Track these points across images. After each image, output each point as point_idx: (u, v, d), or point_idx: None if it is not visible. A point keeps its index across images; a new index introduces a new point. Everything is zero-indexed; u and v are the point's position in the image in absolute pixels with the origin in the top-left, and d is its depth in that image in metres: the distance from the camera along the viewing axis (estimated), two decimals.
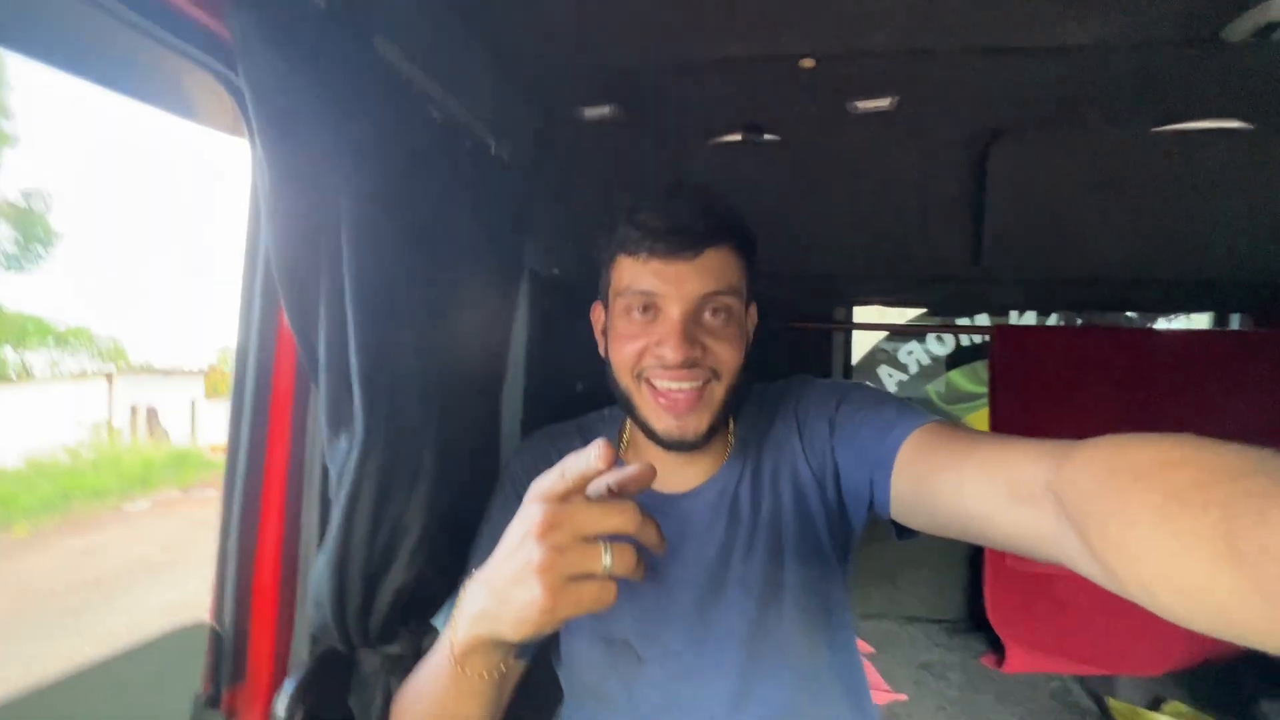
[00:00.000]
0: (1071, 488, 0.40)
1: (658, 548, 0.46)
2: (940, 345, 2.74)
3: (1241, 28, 0.78)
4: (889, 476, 0.62)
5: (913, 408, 0.67)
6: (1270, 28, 0.78)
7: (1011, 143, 1.14)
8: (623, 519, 0.44)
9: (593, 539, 0.44)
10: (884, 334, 2.73)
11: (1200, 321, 2.28)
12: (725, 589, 0.73)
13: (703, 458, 0.77)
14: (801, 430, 0.76)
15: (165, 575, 5.77)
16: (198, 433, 12.74)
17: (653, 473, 0.46)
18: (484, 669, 0.55)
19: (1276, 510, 0.28)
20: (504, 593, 0.46)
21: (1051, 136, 1.13)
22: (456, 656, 0.53)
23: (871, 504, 0.68)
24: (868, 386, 0.78)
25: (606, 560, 0.43)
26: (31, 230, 11.97)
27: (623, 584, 0.73)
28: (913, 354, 2.78)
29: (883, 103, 1.00)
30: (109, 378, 12.49)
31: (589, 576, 0.44)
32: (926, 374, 2.76)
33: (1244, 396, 1.63)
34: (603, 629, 0.74)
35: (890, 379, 2.80)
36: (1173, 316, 2.38)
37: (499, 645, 0.52)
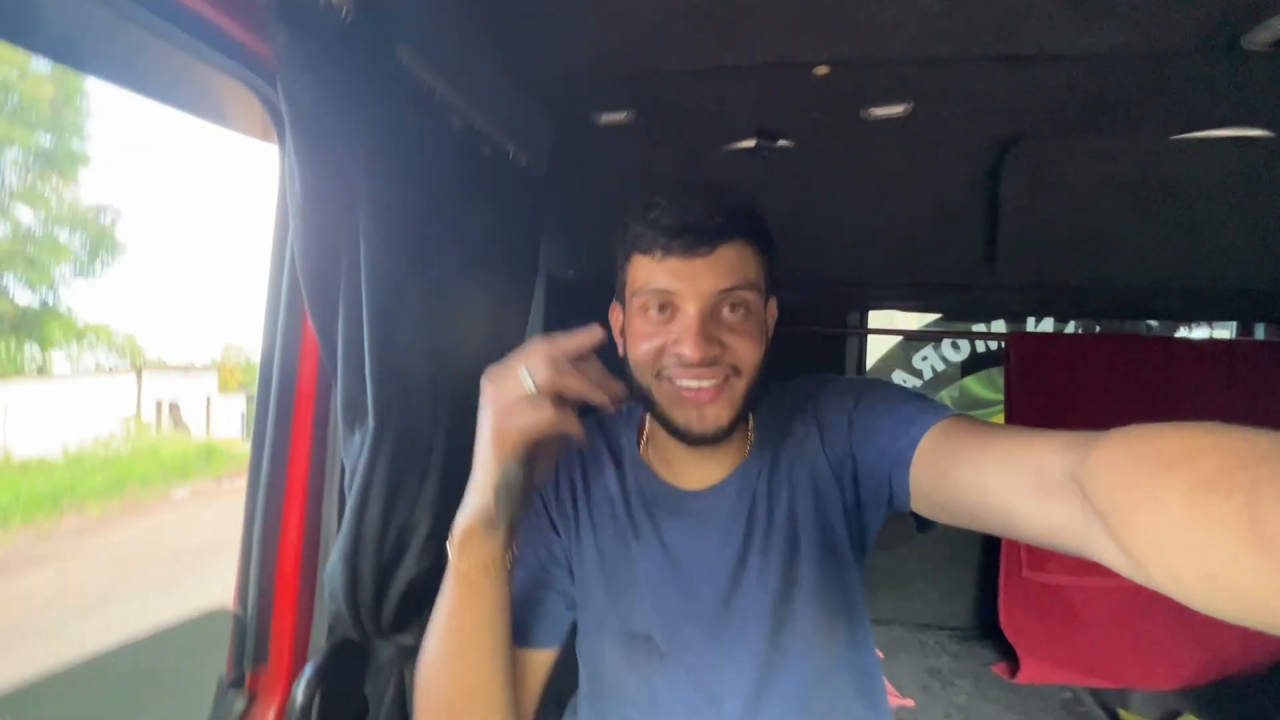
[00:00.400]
0: (1096, 478, 0.40)
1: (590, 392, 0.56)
2: (955, 352, 2.72)
3: (1261, 37, 0.78)
4: (908, 472, 0.63)
5: (931, 402, 0.67)
6: None
7: (1027, 149, 1.13)
8: (545, 345, 0.57)
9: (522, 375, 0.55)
10: (898, 339, 2.72)
11: (1223, 331, 2.24)
12: (745, 586, 0.74)
13: (722, 455, 0.77)
14: (820, 427, 0.76)
15: (234, 551, 6.36)
16: (213, 426, 13.11)
17: (602, 334, 0.59)
18: (482, 558, 0.60)
19: None
20: (476, 456, 0.58)
21: (1068, 143, 1.12)
22: (456, 546, 0.60)
23: (891, 500, 0.68)
24: (886, 383, 0.77)
25: (525, 378, 0.54)
26: (101, 241, 12.69)
27: (644, 580, 0.76)
28: (927, 360, 2.76)
29: (897, 110, 1.00)
30: (139, 373, 12.88)
31: (527, 404, 0.54)
32: (941, 380, 2.74)
33: (1268, 407, 1.60)
34: (624, 623, 0.76)
35: (905, 385, 2.78)
36: (1194, 325, 2.34)
37: (489, 522, 0.58)
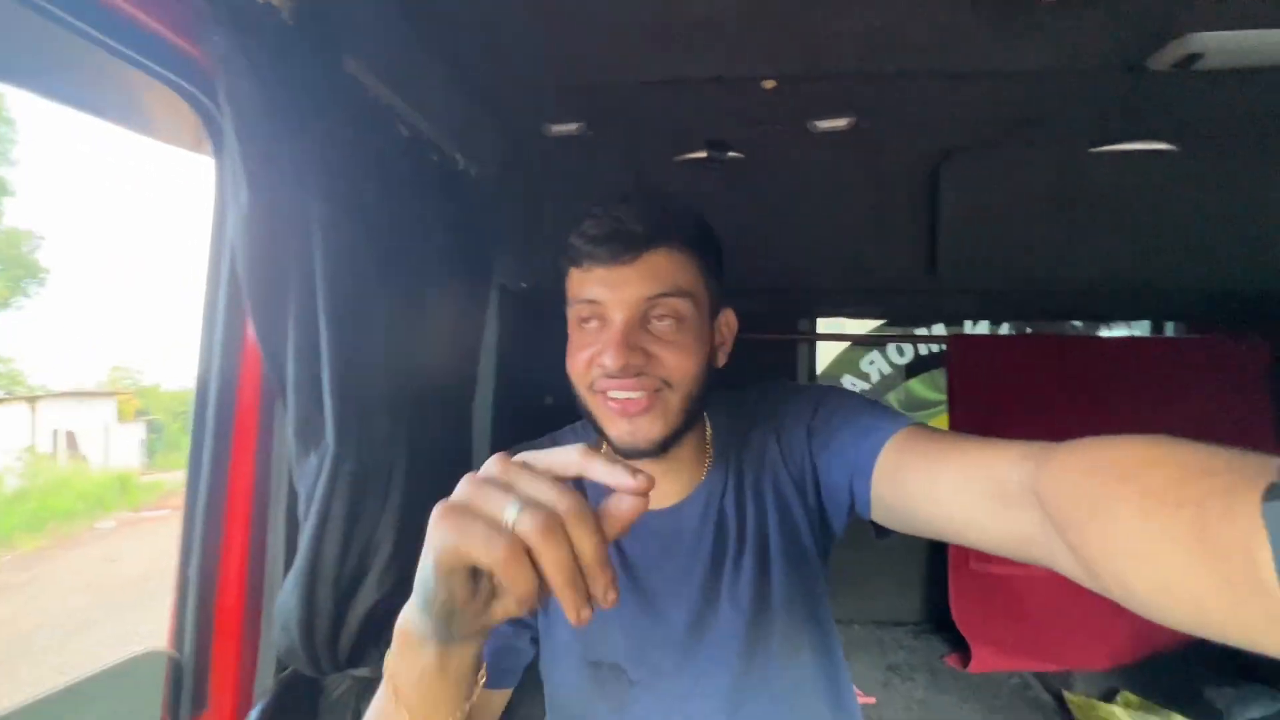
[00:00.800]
0: (1053, 489, 0.41)
1: (597, 565, 0.35)
2: (900, 355, 2.82)
3: (1164, 58, 0.84)
4: (869, 481, 0.63)
5: (891, 411, 0.68)
6: (1190, 59, 0.84)
7: (962, 161, 1.19)
8: (556, 495, 0.36)
9: (512, 492, 0.36)
10: (848, 344, 2.80)
11: (1140, 329, 2.41)
12: (716, 605, 0.72)
13: (682, 471, 0.75)
14: (780, 437, 0.76)
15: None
16: (112, 455, 12.39)
17: (649, 486, 0.37)
18: (412, 681, 0.44)
19: (1242, 506, 0.29)
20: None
21: (999, 156, 1.19)
22: (389, 673, 0.46)
23: (852, 507, 0.68)
24: (844, 390, 0.78)
25: (511, 512, 0.35)
26: (21, 270, 12.08)
27: (611, 607, 0.72)
28: (874, 364, 2.86)
29: (840, 123, 1.04)
30: (32, 403, 12.06)
31: (492, 525, 0.35)
32: (887, 383, 2.84)
33: (1177, 397, 1.73)
34: (591, 652, 0.73)
35: (854, 388, 2.87)
36: (1113, 325, 2.51)
37: (422, 639, 0.43)
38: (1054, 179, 1.21)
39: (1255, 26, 0.77)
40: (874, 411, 0.68)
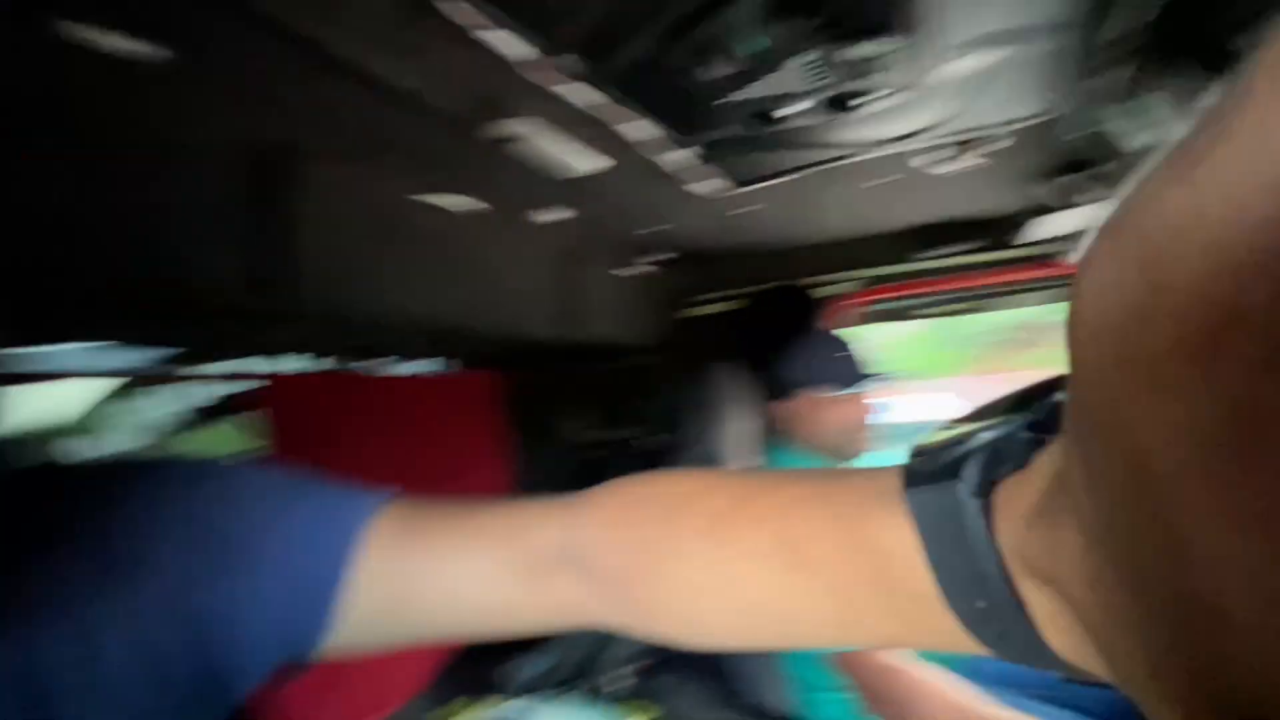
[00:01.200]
0: (595, 543, 0.36)
1: None
2: (194, 397, 2.30)
3: (491, 132, 0.97)
4: (336, 599, 0.39)
5: (348, 490, 0.44)
6: (510, 139, 0.99)
7: (302, 170, 1.02)
8: None
9: None
10: (117, 383, 2.05)
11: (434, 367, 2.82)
12: None
13: None
14: (131, 562, 0.37)
15: None
16: None
17: None
18: None
19: (836, 515, 0.29)
20: None
21: (339, 175, 1.08)
22: None
23: (295, 646, 0.41)
24: (257, 470, 0.45)
25: None
26: None
27: None
28: (150, 410, 2.22)
29: (142, 48, 0.71)
30: None
31: None
32: (172, 432, 2.25)
33: (457, 424, 2.10)
34: None
35: (105, 450, 2.09)
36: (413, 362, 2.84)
37: None
38: (387, 211, 1.20)
39: (555, 127, 0.97)
40: (325, 497, 0.43)
